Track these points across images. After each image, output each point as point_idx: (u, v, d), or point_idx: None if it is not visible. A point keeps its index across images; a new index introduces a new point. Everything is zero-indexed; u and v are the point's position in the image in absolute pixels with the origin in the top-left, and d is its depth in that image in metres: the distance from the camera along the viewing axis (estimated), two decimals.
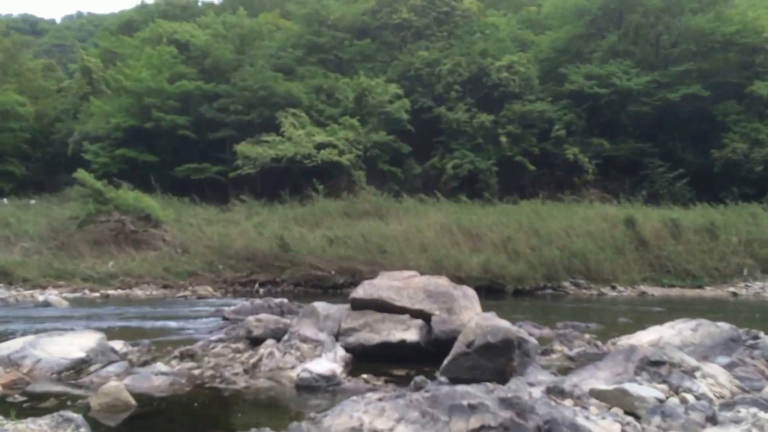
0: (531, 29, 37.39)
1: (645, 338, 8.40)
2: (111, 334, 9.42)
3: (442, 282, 9.10)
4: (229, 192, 28.83)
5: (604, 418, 4.93)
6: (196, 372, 7.50)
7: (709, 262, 20.91)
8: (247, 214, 24.86)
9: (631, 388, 5.53)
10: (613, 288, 19.63)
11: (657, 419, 4.84)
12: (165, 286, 19.04)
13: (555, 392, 5.73)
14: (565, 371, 7.45)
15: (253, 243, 20.57)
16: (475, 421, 4.37)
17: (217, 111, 30.55)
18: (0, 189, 31.14)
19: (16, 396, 6.48)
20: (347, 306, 9.07)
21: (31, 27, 71.11)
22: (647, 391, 5.54)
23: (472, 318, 7.89)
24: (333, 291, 18.76)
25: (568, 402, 5.48)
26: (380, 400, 4.84)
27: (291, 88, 30.50)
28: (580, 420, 4.65)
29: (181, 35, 33.76)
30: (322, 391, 6.87)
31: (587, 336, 10.12)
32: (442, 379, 6.85)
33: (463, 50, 32.50)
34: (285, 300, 12.23)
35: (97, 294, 17.92)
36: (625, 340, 8.88)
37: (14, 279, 18.91)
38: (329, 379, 7.01)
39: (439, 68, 31.77)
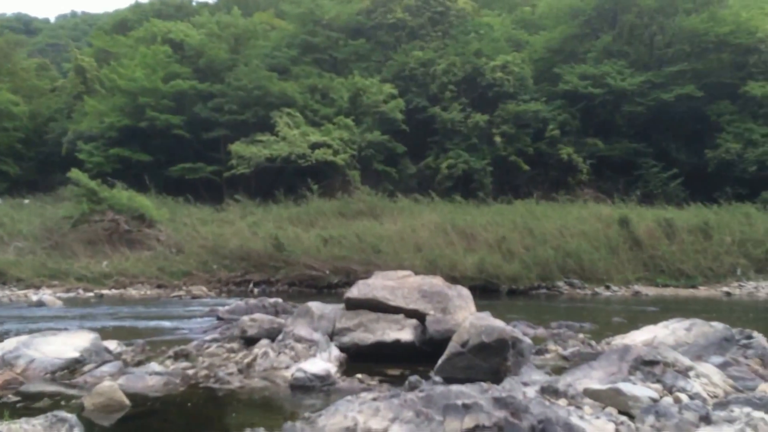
0: (525, 29, 37.44)
1: (639, 338, 8.41)
2: (105, 333, 9.41)
3: (436, 282, 9.12)
4: (223, 192, 28.75)
5: (598, 417, 4.95)
6: (191, 372, 7.50)
7: (703, 262, 21.00)
8: (241, 213, 24.85)
9: (625, 387, 5.54)
10: (608, 288, 19.69)
11: (651, 419, 4.85)
12: (159, 286, 19.05)
13: (549, 392, 5.75)
14: (559, 371, 7.46)
15: (247, 243, 20.57)
16: (469, 421, 4.37)
17: (212, 110, 30.45)
18: None
19: (10, 396, 6.47)
20: (342, 306, 9.07)
21: (24, 26, 70.85)
22: (641, 390, 5.55)
23: (467, 318, 7.90)
24: (327, 291, 18.79)
25: (562, 401, 5.49)
26: (375, 399, 4.84)
27: (285, 88, 30.45)
28: (574, 419, 4.66)
29: (176, 35, 33.65)
30: (316, 390, 6.87)
31: (581, 336, 10.17)
32: (437, 378, 6.85)
33: (458, 50, 32.53)
34: (279, 300, 12.25)
35: (91, 294, 17.90)
36: (619, 340, 8.89)
37: (8, 279, 18.90)
38: (324, 379, 7.01)
39: (434, 68, 31.75)
